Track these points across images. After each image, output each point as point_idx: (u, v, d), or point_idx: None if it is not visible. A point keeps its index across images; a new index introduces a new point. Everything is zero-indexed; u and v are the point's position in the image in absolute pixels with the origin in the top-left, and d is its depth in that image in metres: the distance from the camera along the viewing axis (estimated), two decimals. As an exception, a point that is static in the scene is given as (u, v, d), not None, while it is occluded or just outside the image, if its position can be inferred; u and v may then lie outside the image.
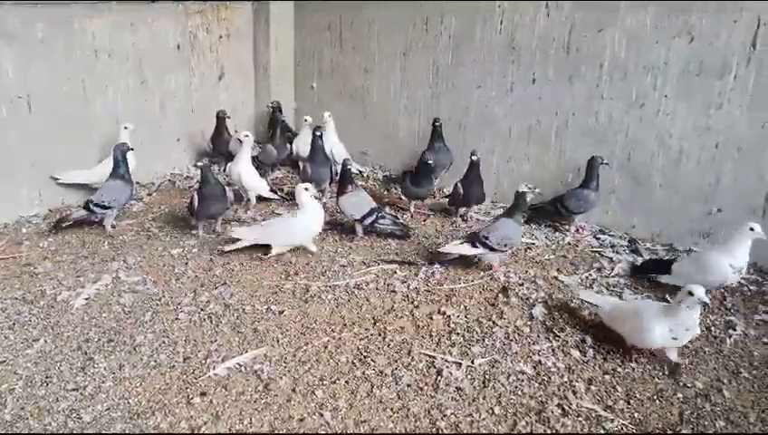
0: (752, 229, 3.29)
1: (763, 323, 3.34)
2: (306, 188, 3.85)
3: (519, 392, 2.78)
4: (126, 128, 4.62)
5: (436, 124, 4.82)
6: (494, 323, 3.30)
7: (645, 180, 4.20)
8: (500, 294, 3.59)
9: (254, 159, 4.90)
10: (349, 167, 4.24)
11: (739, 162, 3.86)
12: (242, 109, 5.87)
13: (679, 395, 2.78)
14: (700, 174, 3.98)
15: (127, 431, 2.50)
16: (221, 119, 5.24)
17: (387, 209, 4.51)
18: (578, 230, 4.42)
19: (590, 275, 3.81)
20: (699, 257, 3.55)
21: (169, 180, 5.32)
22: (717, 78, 3.82)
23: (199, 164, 4.17)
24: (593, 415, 2.64)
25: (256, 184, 4.69)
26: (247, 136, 4.68)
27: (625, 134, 4.24)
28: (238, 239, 3.93)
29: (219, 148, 5.25)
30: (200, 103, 5.53)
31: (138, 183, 4.92)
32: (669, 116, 4.04)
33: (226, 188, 4.26)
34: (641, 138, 4.18)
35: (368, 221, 4.16)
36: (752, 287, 3.68)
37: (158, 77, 5.13)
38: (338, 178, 5.10)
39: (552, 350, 3.08)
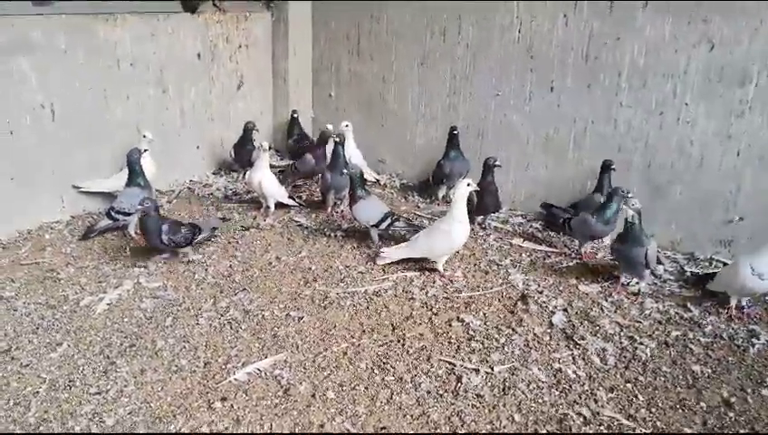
0: None
1: (787, 333, 3.30)
2: (469, 184, 3.69)
3: (539, 400, 2.77)
4: (145, 136, 4.67)
5: (454, 132, 4.84)
6: (513, 330, 3.29)
7: (665, 188, 4.17)
8: (519, 302, 3.58)
9: (292, 167, 5.04)
10: (351, 173, 4.22)
11: (760, 170, 3.83)
12: (260, 118, 5.91)
13: (702, 405, 2.75)
14: (721, 182, 3.95)
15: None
16: (249, 130, 5.28)
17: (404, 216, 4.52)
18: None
19: (611, 283, 3.78)
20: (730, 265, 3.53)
21: (188, 188, 5.37)
22: (738, 86, 3.80)
23: (139, 207, 3.78)
24: (615, 424, 2.62)
25: (276, 191, 4.72)
26: (263, 145, 4.71)
27: (644, 142, 4.22)
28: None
29: (241, 157, 5.26)
30: (219, 112, 5.59)
31: (157, 190, 4.96)
32: (690, 124, 4.01)
33: (175, 226, 3.91)
34: (661, 146, 4.16)
35: (383, 226, 4.17)
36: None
37: (178, 86, 5.19)
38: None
39: (573, 358, 3.06)
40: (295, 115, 5.73)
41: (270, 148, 4.78)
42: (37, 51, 4.22)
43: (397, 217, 4.24)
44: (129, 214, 4.23)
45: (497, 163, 4.31)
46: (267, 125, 6.05)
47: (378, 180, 5.51)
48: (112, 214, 4.24)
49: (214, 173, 5.67)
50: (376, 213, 4.18)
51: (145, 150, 4.41)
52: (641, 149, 4.24)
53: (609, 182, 4.21)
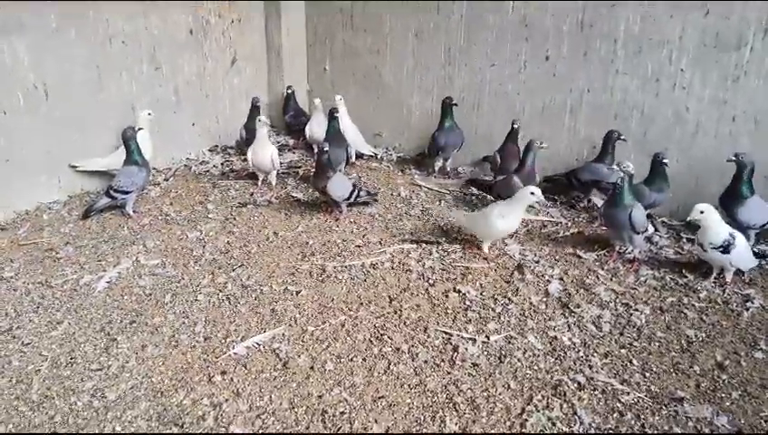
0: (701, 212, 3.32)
1: (782, 296, 3.33)
2: (532, 193, 3.60)
3: (535, 368, 2.80)
4: (150, 114, 4.71)
5: (452, 104, 4.82)
6: (509, 299, 3.32)
7: (661, 156, 4.17)
8: (515, 272, 3.60)
9: (489, 189, 4.52)
10: (326, 151, 4.21)
11: (756, 135, 3.83)
12: (255, 93, 5.86)
13: (696, 368, 2.78)
14: (717, 148, 3.94)
15: (151, 409, 2.56)
16: (256, 107, 5.24)
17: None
18: (589, 201, 4.43)
19: (607, 251, 3.80)
20: None
21: (185, 165, 5.37)
22: (734, 50, 3.78)
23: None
24: (609, 389, 2.65)
25: (278, 166, 4.77)
26: (260, 120, 4.73)
27: (641, 110, 4.21)
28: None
29: (252, 136, 5.01)
30: (214, 88, 5.57)
31: (154, 169, 4.96)
32: (686, 90, 4.00)
33: None
34: (657, 113, 4.15)
35: (352, 198, 4.30)
36: (770, 261, 3.65)
37: (171, 63, 5.16)
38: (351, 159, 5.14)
39: (568, 325, 3.09)
40: (291, 91, 5.70)
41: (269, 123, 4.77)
42: (28, 30, 4.19)
43: (360, 188, 4.38)
44: (127, 192, 4.25)
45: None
46: (262, 101, 6.00)
47: (375, 154, 5.50)
48: (111, 193, 4.24)
49: (210, 150, 5.66)
50: (348, 188, 4.28)
51: (139, 129, 4.39)
52: (637, 118, 4.23)
53: (612, 151, 4.21)
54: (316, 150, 4.88)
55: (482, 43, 4.81)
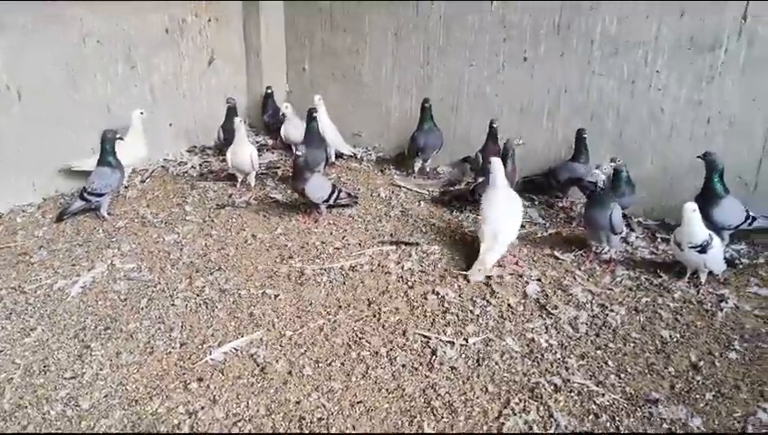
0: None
1: (755, 296, 3.36)
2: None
3: (512, 370, 2.81)
4: (142, 113, 4.72)
5: (426, 105, 4.82)
6: (487, 301, 3.33)
7: (637, 156, 4.19)
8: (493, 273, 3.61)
9: (470, 193, 4.42)
10: (300, 155, 4.15)
11: (730, 136, 3.87)
12: (233, 93, 5.80)
13: (671, 369, 2.81)
14: (692, 149, 3.96)
15: (125, 418, 2.53)
16: (232, 108, 5.21)
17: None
18: (568, 200, 4.48)
19: (584, 252, 3.83)
20: None
21: (162, 166, 5.30)
22: (709, 52, 3.82)
23: None
24: (585, 390, 2.67)
25: (257, 166, 4.74)
26: (241, 121, 4.71)
27: (617, 111, 4.24)
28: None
29: (231, 136, 4.93)
30: (191, 88, 5.51)
31: (132, 170, 4.90)
32: (661, 91, 4.03)
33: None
34: (633, 114, 4.18)
35: (332, 200, 4.28)
36: (744, 260, 3.70)
37: (147, 62, 5.09)
38: (331, 160, 5.13)
39: (546, 327, 3.11)
40: (270, 91, 5.67)
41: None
42: (1, 29, 4.11)
43: (339, 190, 4.35)
44: (101, 195, 4.19)
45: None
46: (241, 101, 5.96)
47: (354, 154, 5.49)
48: (85, 195, 4.19)
49: (188, 151, 5.60)
50: (327, 189, 4.25)
51: (119, 137, 4.33)
52: (613, 118, 4.26)
53: (585, 149, 4.23)
54: (295, 151, 4.84)
55: (460, 43, 4.81)
